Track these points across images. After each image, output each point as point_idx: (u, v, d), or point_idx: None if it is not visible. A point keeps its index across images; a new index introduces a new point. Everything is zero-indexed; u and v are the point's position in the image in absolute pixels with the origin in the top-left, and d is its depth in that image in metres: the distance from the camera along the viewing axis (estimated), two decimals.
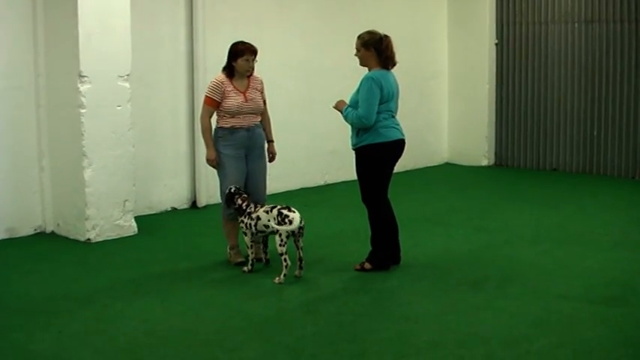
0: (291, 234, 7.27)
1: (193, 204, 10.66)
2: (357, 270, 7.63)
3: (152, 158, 10.23)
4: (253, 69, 7.94)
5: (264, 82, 8.13)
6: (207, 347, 5.87)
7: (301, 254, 7.38)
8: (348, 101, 7.66)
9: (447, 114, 13.94)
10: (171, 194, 10.46)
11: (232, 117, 7.84)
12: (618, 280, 7.41)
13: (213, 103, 7.86)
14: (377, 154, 7.49)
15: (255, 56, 7.88)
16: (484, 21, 13.60)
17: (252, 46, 7.90)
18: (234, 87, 7.86)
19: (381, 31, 7.61)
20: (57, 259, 8.31)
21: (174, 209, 10.50)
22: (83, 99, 8.72)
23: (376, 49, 7.44)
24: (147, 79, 10.04)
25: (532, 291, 7.12)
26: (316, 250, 8.39)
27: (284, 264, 7.27)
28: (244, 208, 7.57)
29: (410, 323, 6.34)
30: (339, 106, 7.67)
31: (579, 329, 6.17)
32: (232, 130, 7.85)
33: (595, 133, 12.86)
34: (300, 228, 7.30)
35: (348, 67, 12.22)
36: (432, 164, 13.84)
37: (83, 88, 8.71)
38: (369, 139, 7.45)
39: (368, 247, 7.71)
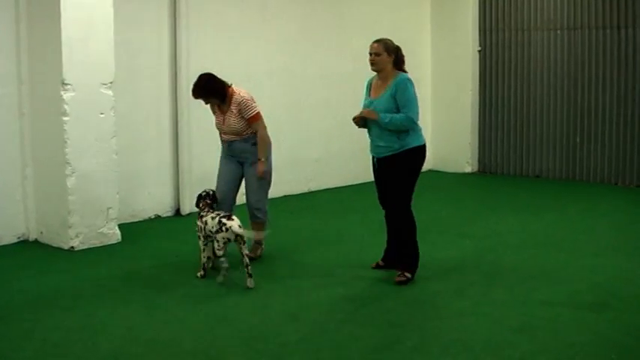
0: (228, 241, 7.40)
1: (177, 212, 10.64)
2: (400, 283, 7.47)
3: (135, 166, 10.21)
4: (214, 106, 8.25)
5: (244, 99, 8.14)
6: (191, 356, 5.84)
7: (247, 261, 7.41)
8: (363, 107, 7.59)
9: (430, 121, 13.94)
10: (154, 202, 10.44)
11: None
12: (602, 286, 7.44)
13: None
14: (419, 157, 7.56)
15: (204, 99, 8.21)
16: (467, 28, 13.67)
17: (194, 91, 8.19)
18: (219, 107, 8.25)
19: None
20: (40, 267, 8.26)
21: (157, 217, 10.48)
22: (66, 107, 8.69)
23: (396, 56, 7.46)
24: (130, 87, 10.02)
25: (516, 297, 7.14)
26: (300, 256, 8.42)
27: (222, 266, 7.42)
28: (200, 211, 7.83)
29: (394, 329, 6.33)
30: (370, 116, 7.41)
31: (563, 335, 6.19)
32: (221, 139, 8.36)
33: (578, 139, 12.93)
34: (238, 236, 7.37)
35: (333, 74, 12.40)
36: None
37: (66, 95, 8.68)
38: (413, 142, 7.44)
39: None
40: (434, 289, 7.40)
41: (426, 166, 13.81)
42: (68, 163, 8.77)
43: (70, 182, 8.80)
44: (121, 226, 9.44)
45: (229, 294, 7.30)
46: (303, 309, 6.88)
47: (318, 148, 12.14)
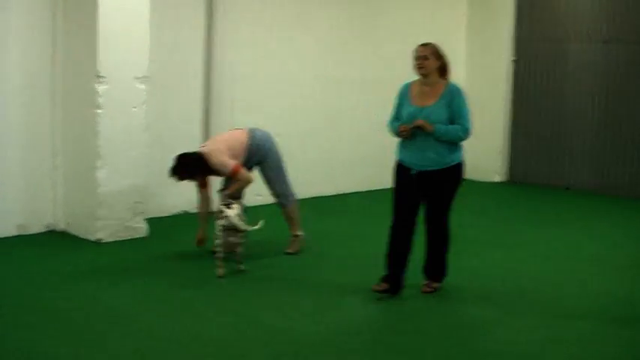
0: (226, 229, 7.58)
1: None
2: (428, 292, 7.34)
3: (164, 161, 10.15)
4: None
5: (216, 164, 8.32)
6: (214, 352, 5.82)
7: (238, 249, 7.71)
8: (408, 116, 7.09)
9: None
10: (183, 198, 10.40)
11: None
12: (630, 300, 7.36)
13: None
14: (463, 170, 7.25)
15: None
16: (503, 37, 13.58)
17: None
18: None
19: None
20: (66, 257, 8.28)
21: (185, 213, 10.46)
22: (100, 99, 8.71)
23: (442, 61, 7.12)
24: (163, 83, 10.02)
25: (543, 309, 7.06)
26: (328, 254, 8.49)
27: (216, 255, 7.65)
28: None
29: (419, 336, 6.28)
30: (426, 126, 6.91)
31: (590, 348, 6.12)
32: None
33: (610, 153, 12.78)
34: (233, 225, 7.54)
35: (366, 78, 12.36)
36: None
37: (100, 88, 8.70)
38: (461, 155, 7.17)
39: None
40: (460, 297, 7.33)
41: None
42: (99, 155, 8.78)
43: (100, 174, 8.82)
44: (148, 221, 9.44)
45: (258, 293, 7.28)
46: (329, 310, 6.83)
47: (350, 151, 12.11)
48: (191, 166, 8.28)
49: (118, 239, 8.97)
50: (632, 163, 12.55)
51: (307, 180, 11.29)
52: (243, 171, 8.25)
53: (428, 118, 6.94)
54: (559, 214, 11.37)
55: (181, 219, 10.25)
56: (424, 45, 7.15)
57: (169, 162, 10.04)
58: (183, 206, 10.49)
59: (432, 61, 7.03)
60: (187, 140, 10.38)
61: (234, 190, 8.18)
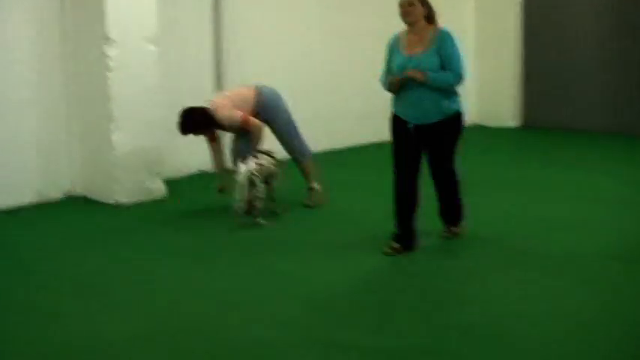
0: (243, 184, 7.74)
1: None
2: (447, 237, 7.32)
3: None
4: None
5: (224, 118, 8.29)
6: (236, 307, 5.85)
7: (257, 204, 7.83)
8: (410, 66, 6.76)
9: (473, 74, 13.73)
10: (199, 157, 10.38)
11: None
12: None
13: None
14: (463, 120, 6.95)
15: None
16: None
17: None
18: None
19: None
20: (85, 221, 8.32)
21: (202, 172, 10.46)
22: (110, 62, 8.68)
23: (428, 8, 6.80)
24: (172, 41, 9.98)
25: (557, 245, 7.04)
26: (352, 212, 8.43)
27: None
28: None
29: (452, 296, 6.24)
30: (416, 76, 6.62)
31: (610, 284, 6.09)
32: None
33: (625, 92, 12.58)
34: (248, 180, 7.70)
35: (375, 29, 12.21)
36: None
37: (110, 51, 8.66)
38: (459, 104, 6.87)
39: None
40: (479, 239, 7.31)
41: (469, 121, 13.81)
42: (112, 118, 8.77)
43: (115, 137, 8.82)
44: (165, 181, 9.46)
45: (278, 246, 7.30)
46: (344, 262, 6.84)
47: (359, 103, 12.08)
48: (197, 121, 8.26)
49: (136, 201, 8.97)
50: None
51: (317, 134, 11.30)
52: (253, 119, 8.18)
53: (418, 67, 6.65)
54: (576, 158, 11.23)
55: (198, 178, 10.25)
56: None
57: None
58: (199, 165, 10.46)
59: (417, 8, 6.72)
60: (199, 98, 10.34)
61: (255, 144, 8.13)
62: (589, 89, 12.93)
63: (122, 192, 8.93)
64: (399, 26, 6.94)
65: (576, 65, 13.02)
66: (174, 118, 9.62)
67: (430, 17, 6.82)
